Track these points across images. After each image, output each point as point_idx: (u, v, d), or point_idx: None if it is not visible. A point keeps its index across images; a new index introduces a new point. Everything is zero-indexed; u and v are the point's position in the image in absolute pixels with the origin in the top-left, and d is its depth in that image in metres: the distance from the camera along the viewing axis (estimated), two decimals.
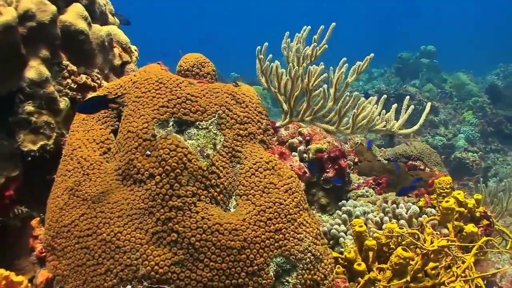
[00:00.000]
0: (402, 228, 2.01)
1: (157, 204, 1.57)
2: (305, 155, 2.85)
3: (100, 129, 1.81)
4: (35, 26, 1.79)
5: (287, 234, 1.65)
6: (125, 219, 1.59)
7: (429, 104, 1.93)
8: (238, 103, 1.80)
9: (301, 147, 2.80)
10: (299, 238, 1.67)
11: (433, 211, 2.28)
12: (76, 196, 1.68)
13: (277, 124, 1.90)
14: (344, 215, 2.50)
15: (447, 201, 2.11)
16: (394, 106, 1.85)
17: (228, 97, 1.79)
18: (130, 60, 2.32)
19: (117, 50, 2.26)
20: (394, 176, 3.04)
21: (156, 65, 1.88)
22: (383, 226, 2.24)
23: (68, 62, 1.94)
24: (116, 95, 1.79)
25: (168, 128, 1.67)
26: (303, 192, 1.78)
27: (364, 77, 12.94)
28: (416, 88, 9.86)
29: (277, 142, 2.89)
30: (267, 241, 1.61)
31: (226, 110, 1.76)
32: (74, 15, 1.95)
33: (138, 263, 1.53)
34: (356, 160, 3.25)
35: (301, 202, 1.74)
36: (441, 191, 2.22)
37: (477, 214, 2.23)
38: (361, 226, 2.00)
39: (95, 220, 1.62)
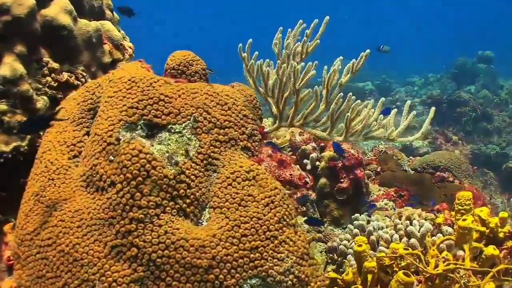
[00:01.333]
0: (408, 249, 1.79)
1: (117, 215, 1.43)
2: (318, 162, 2.67)
3: (74, 130, 1.69)
4: (10, 21, 1.69)
5: (265, 253, 1.47)
6: (84, 230, 1.46)
7: (432, 109, 1.70)
8: (219, 105, 1.63)
9: (314, 154, 2.62)
10: (280, 258, 1.49)
11: (450, 229, 2.04)
12: (41, 203, 1.57)
13: (266, 129, 1.72)
14: (356, 230, 2.29)
15: (464, 220, 1.87)
16: (394, 111, 1.63)
17: (207, 98, 1.62)
18: (122, 58, 2.20)
19: (107, 47, 2.14)
20: (418, 188, 2.81)
21: (136, 63, 1.74)
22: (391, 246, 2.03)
23: (49, 59, 1.83)
24: (58, 110, 1.67)
25: (136, 132, 1.52)
26: (290, 206, 1.59)
27: (420, 82, 12.55)
28: (470, 94, 9.37)
29: (289, 148, 2.71)
30: (240, 260, 1.44)
31: (204, 113, 1.60)
32: (57, 9, 1.84)
33: (95, 278, 1.40)
34: (379, 169, 3.02)
35: (286, 217, 1.56)
36: (460, 207, 1.98)
37: (501, 235, 1.97)
38: (360, 246, 1.80)
39: (56, 229, 1.50)
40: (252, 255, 1.46)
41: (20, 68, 1.71)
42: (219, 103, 1.64)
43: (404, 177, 2.80)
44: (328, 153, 2.57)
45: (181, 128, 1.56)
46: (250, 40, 1.68)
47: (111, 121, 1.53)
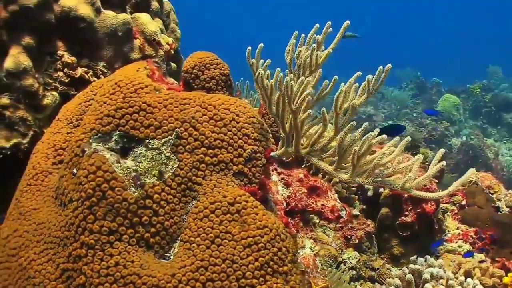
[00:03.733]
0: None
1: (70, 236, 1.26)
2: (381, 189, 2.33)
3: (68, 133, 1.55)
4: (17, 10, 1.60)
5: None
6: (42, 246, 1.33)
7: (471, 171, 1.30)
8: (213, 120, 1.39)
9: None
10: None
11: None
12: (17, 208, 1.47)
13: (272, 154, 1.44)
14: (409, 276, 1.93)
15: None
16: (419, 157, 1.27)
17: (198, 111, 1.39)
18: (154, 55, 2.02)
19: (138, 42, 1.97)
20: (505, 231, 2.33)
21: (139, 63, 1.53)
22: None
23: (64, 53, 1.72)
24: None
25: (109, 144, 1.34)
26: (283, 249, 1.31)
27: None
28: None
29: None
30: None
31: (190, 128, 1.36)
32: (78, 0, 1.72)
33: None
34: (464, 202, 2.57)
35: (273, 263, 1.28)
36: None
37: None
38: None
39: (20, 240, 1.38)
40: None
41: (25, 61, 1.62)
42: (212, 118, 1.39)
43: (489, 216, 2.33)
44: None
45: (160, 144, 1.35)
46: (261, 44, 1.40)
47: (84, 129, 1.36)
